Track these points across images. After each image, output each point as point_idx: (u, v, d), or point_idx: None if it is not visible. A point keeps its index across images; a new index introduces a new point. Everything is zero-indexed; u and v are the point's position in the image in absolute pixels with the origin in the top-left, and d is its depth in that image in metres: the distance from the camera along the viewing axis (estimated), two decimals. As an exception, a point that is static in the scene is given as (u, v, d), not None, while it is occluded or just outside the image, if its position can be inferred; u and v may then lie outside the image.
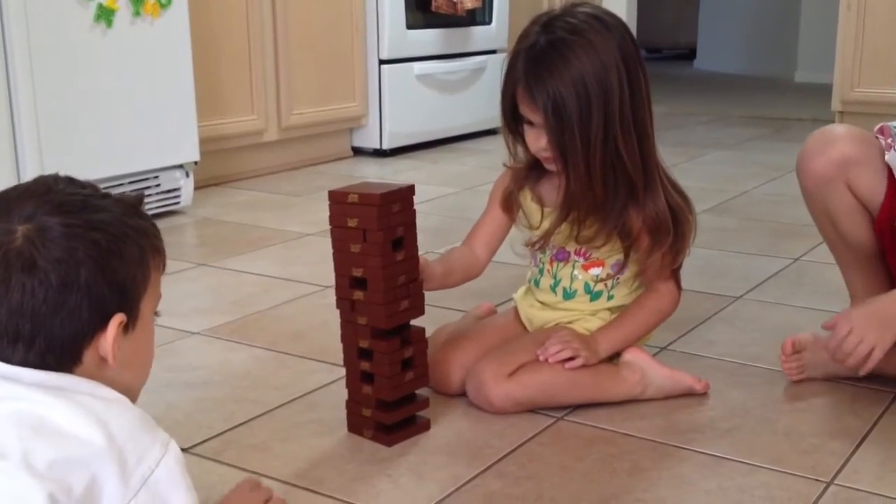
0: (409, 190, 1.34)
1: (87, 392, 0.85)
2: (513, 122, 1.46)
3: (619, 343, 1.49)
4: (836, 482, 1.25)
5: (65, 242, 0.84)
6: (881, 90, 3.65)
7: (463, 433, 1.40)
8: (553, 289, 1.54)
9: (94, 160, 2.52)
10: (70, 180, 0.91)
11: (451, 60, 3.95)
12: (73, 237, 0.85)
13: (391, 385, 1.34)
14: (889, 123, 1.50)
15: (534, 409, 1.45)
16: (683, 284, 1.53)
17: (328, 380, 1.58)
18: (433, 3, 3.74)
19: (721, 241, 2.42)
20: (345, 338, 1.38)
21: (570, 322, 1.53)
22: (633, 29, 5.06)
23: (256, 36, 3.22)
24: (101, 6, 2.47)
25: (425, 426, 1.40)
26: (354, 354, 1.37)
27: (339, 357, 1.41)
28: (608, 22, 1.40)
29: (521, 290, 1.63)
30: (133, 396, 0.91)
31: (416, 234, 1.36)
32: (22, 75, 2.34)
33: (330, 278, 1.38)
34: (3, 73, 2.32)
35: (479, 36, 4.06)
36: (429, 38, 3.82)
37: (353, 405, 1.39)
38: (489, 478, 1.27)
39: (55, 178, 0.91)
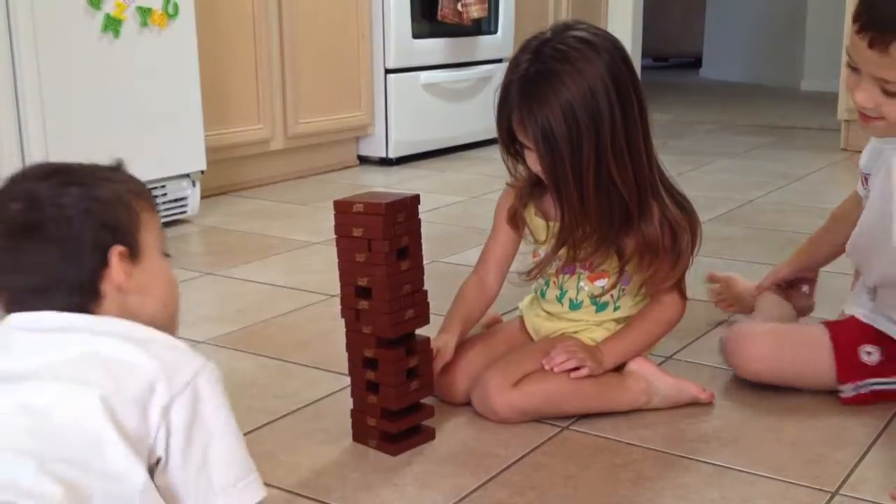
0: (414, 199, 1.34)
1: (125, 328, 0.98)
2: (511, 144, 1.47)
3: (625, 354, 1.50)
4: (841, 492, 1.25)
5: (52, 201, 0.98)
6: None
7: (468, 442, 1.40)
8: (559, 300, 1.54)
9: (102, 169, 2.52)
10: (40, 163, 1.06)
11: (457, 69, 3.96)
12: (57, 195, 0.98)
13: (396, 394, 1.34)
14: None
15: (538, 419, 1.45)
16: (689, 293, 1.53)
17: (334, 389, 1.59)
18: (439, 12, 3.75)
19: (727, 249, 2.42)
20: (350, 347, 1.38)
21: (575, 332, 1.53)
22: (639, 38, 5.09)
23: (263, 45, 3.23)
24: (108, 16, 2.48)
25: (430, 435, 1.41)
26: (359, 364, 1.37)
27: (345, 366, 1.41)
28: (598, 46, 1.38)
29: (527, 299, 1.63)
30: (159, 325, 1.02)
31: (421, 243, 1.36)
32: (30, 85, 2.35)
33: (336, 287, 1.38)
34: (11, 83, 2.33)
35: (484, 45, 4.07)
36: (435, 48, 3.83)
37: (358, 414, 1.40)
38: (494, 487, 1.27)
39: (28, 166, 1.05)
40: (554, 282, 1.54)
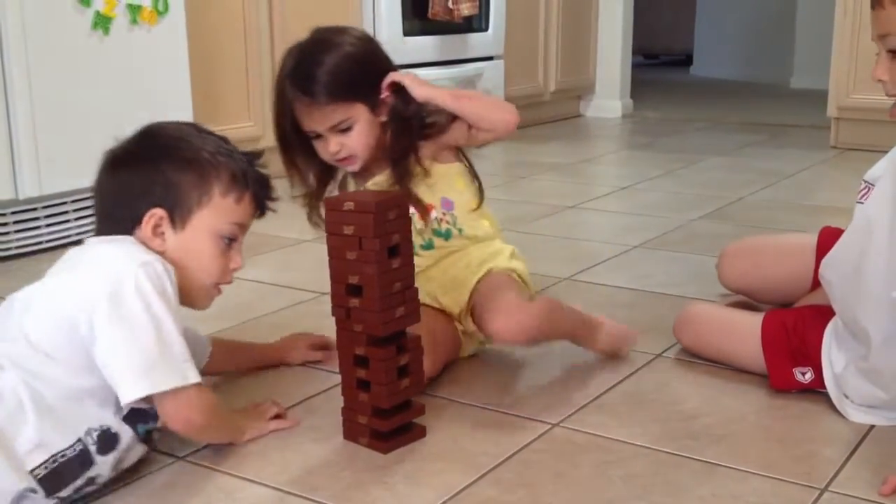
0: (405, 197, 1.34)
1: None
2: (299, 144, 1.58)
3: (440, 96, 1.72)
4: (830, 489, 1.25)
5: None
6: (876, 96, 3.65)
7: (458, 440, 1.40)
8: (418, 253, 1.57)
9: (91, 167, 2.51)
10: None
11: (448, 67, 3.95)
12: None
13: (387, 392, 1.34)
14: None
15: (538, 341, 1.56)
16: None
17: (324, 387, 1.59)
18: (430, 10, 3.75)
19: (717, 247, 2.41)
20: (340, 345, 1.38)
21: (466, 265, 1.61)
22: (630, 35, 5.09)
23: (253, 42, 3.22)
24: (98, 14, 2.48)
25: (421, 433, 1.41)
26: (350, 362, 1.37)
27: (336, 364, 1.41)
28: (345, 29, 1.63)
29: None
30: (189, 289, 1.31)
31: (411, 241, 1.36)
32: (19, 82, 2.34)
33: (326, 285, 1.38)
34: (1, 80, 2.32)
35: (475, 43, 4.07)
36: (426, 46, 3.83)
37: (348, 412, 1.40)
38: (485, 485, 1.27)
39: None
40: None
